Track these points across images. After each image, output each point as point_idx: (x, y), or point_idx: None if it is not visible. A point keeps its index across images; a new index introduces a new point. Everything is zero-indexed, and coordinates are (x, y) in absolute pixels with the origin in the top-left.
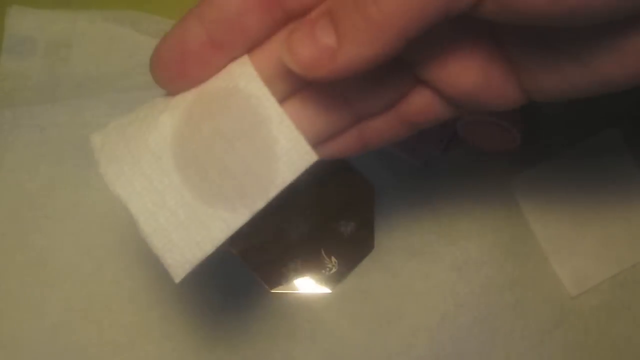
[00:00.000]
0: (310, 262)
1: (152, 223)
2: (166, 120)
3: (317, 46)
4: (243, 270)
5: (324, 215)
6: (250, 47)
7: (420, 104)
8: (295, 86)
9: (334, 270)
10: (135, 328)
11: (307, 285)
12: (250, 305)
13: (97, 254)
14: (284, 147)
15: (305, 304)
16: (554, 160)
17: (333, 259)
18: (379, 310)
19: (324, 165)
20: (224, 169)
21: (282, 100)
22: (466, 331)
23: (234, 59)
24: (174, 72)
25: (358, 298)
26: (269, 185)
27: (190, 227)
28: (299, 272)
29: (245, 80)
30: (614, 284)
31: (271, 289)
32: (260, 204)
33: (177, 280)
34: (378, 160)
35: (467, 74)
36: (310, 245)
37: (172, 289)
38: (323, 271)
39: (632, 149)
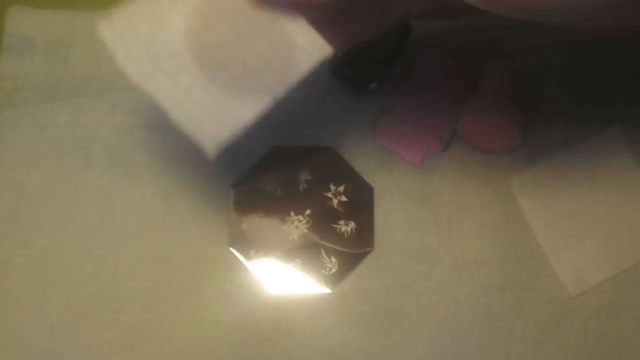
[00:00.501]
0: (310, 262)
1: (182, 113)
2: (178, 19)
3: None
4: (243, 270)
5: (324, 216)
6: None
7: None
8: None
9: (334, 270)
10: (134, 328)
11: (307, 286)
12: (251, 306)
13: (96, 254)
14: (300, 41)
15: (306, 304)
16: (554, 160)
17: (333, 259)
18: (379, 311)
19: (324, 164)
20: (243, 64)
21: None
22: (466, 331)
23: None
24: None
25: (358, 298)
26: (288, 74)
27: (219, 113)
28: (299, 272)
29: None
30: (614, 284)
31: (271, 289)
32: (281, 90)
33: (213, 153)
34: (377, 161)
35: None
36: (310, 246)
37: (172, 289)
38: (323, 271)
39: (632, 149)
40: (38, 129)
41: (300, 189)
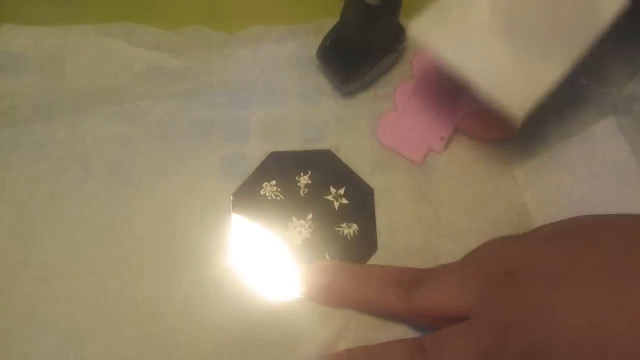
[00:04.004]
0: None
1: (491, 85)
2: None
3: None
4: (250, 277)
5: (326, 219)
6: None
7: None
8: None
9: None
10: (141, 341)
11: None
12: (257, 313)
13: (99, 268)
14: None
15: (313, 309)
16: (553, 152)
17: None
18: None
19: (324, 168)
20: (547, 26)
21: None
22: None
23: None
24: None
25: None
26: (591, 28)
27: (526, 79)
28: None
29: None
30: None
31: (277, 295)
32: (580, 51)
33: (521, 114)
34: (376, 162)
35: None
36: (314, 250)
37: (177, 300)
38: None
39: (629, 140)
40: (37, 146)
41: (301, 193)
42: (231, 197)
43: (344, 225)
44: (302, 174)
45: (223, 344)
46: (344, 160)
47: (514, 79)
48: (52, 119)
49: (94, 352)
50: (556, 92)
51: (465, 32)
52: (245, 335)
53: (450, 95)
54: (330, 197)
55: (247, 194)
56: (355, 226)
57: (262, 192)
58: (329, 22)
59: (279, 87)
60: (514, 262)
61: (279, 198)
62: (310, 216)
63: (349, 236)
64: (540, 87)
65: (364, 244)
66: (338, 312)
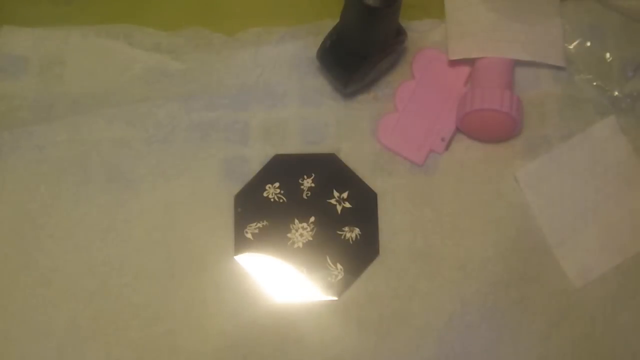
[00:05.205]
0: (316, 270)
1: None
2: None
3: None
4: (249, 280)
5: (329, 223)
6: None
7: None
8: None
9: (340, 277)
10: (142, 344)
11: (313, 293)
12: (258, 316)
13: (100, 270)
14: None
15: (312, 311)
16: (555, 151)
17: (339, 265)
18: (386, 314)
19: (327, 171)
20: None
21: None
22: (473, 329)
23: None
24: None
25: (364, 303)
26: None
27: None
28: (305, 280)
29: None
30: (617, 273)
31: (277, 298)
32: None
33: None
34: (378, 164)
35: None
36: (315, 253)
37: (178, 302)
38: (329, 278)
39: (629, 138)
40: (37, 149)
41: (304, 196)
42: (233, 199)
43: (346, 229)
44: (305, 177)
45: (223, 347)
46: (346, 163)
47: None
48: (51, 121)
49: (93, 354)
50: (556, 92)
51: None
52: (245, 339)
53: (451, 95)
54: (333, 201)
55: (249, 196)
56: (357, 230)
57: (265, 194)
58: (329, 23)
59: (279, 88)
60: None
61: (281, 200)
62: (312, 219)
63: (350, 240)
64: None
65: (366, 248)
66: (337, 315)
